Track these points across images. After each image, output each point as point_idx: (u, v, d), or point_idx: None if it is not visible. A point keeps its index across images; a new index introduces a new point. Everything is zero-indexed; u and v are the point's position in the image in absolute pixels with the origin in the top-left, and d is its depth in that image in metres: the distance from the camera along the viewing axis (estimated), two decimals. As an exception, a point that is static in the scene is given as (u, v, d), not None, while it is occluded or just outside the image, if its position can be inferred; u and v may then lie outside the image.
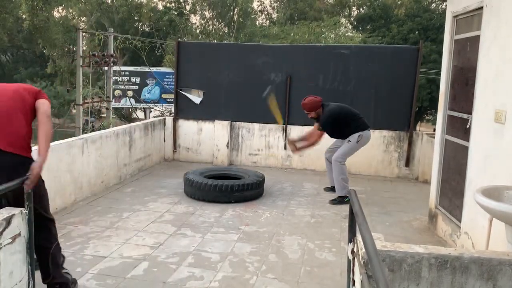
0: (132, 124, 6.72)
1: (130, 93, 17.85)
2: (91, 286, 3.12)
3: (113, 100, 17.26)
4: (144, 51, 16.11)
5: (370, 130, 5.56)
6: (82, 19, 23.13)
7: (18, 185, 2.43)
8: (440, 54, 5.06)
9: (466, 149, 3.90)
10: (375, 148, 6.92)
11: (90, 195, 5.27)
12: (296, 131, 7.15)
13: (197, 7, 24.65)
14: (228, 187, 5.12)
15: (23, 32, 21.60)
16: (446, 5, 4.65)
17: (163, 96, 18.08)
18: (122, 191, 5.59)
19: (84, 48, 17.62)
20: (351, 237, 2.17)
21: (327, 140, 5.78)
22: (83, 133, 12.94)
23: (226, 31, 23.66)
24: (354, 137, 5.34)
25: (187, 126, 7.53)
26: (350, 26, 24.03)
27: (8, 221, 2.31)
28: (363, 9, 23.94)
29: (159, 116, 15.33)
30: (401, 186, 6.45)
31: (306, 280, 3.34)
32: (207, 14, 24.78)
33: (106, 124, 15.81)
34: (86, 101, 15.68)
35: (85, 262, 3.49)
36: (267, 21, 27.14)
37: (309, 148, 5.67)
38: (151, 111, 18.99)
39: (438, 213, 4.49)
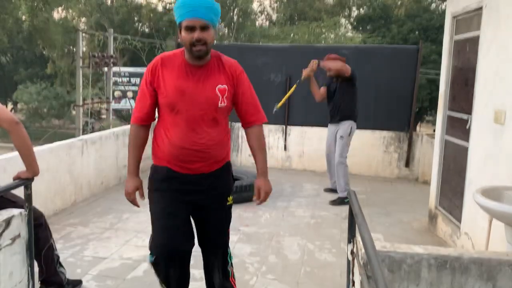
0: (132, 125, 6.72)
1: (130, 94, 17.85)
2: (91, 287, 3.12)
3: (113, 101, 17.27)
4: (144, 51, 16.12)
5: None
6: (82, 20, 23.13)
7: (19, 186, 2.44)
8: (440, 54, 5.05)
9: (466, 149, 3.90)
10: (375, 149, 6.92)
11: (89, 196, 5.27)
12: (296, 132, 7.15)
13: (197, 7, 24.59)
14: None
15: (23, 33, 21.59)
16: (446, 6, 4.65)
17: (163, 97, 18.05)
18: (122, 192, 5.54)
19: (84, 49, 17.65)
20: (351, 238, 2.17)
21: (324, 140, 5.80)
22: (83, 134, 12.94)
23: (226, 32, 23.67)
24: (345, 131, 5.33)
25: (187, 127, 7.51)
26: (350, 27, 24.02)
27: (8, 222, 2.31)
28: (363, 9, 23.91)
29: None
30: (401, 186, 6.44)
31: (306, 280, 3.34)
32: (207, 14, 24.72)
33: (106, 125, 15.82)
34: (86, 102, 15.68)
35: (84, 264, 3.49)
36: (267, 22, 27.14)
37: (334, 65, 5.20)
38: (151, 112, 18.94)
39: (438, 213, 4.49)
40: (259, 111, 2.41)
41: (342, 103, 5.34)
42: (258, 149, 2.40)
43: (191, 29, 2.11)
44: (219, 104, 2.22)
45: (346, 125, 5.33)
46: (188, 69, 2.21)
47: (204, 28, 2.12)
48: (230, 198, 2.44)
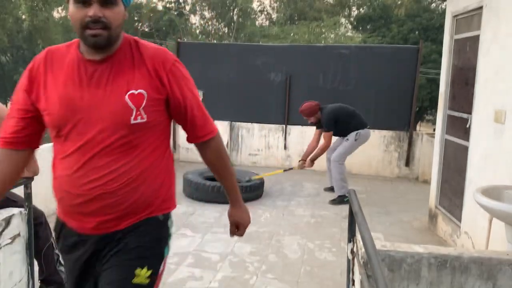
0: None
1: (130, 93, 17.80)
2: (91, 286, 3.12)
3: (113, 101, 17.25)
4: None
5: (370, 129, 5.54)
6: (82, 20, 23.13)
7: (19, 185, 2.44)
8: (440, 54, 5.06)
9: (466, 149, 3.90)
10: (375, 148, 6.92)
11: (90, 195, 5.26)
12: (296, 131, 7.15)
13: (197, 7, 24.68)
14: None
15: (23, 32, 21.61)
16: (446, 5, 4.66)
17: (163, 96, 18.03)
18: (122, 191, 5.57)
19: (84, 48, 17.58)
20: (351, 237, 2.17)
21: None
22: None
23: (226, 31, 23.69)
24: (352, 136, 5.33)
25: (187, 126, 7.51)
26: (350, 26, 24.03)
27: (8, 221, 2.31)
28: (363, 9, 23.93)
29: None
30: (401, 186, 6.44)
31: (306, 280, 3.34)
32: (207, 14, 24.81)
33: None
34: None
35: (85, 262, 3.49)
36: (267, 21, 27.15)
37: (322, 153, 5.50)
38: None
39: (438, 213, 4.49)
40: (208, 120, 1.65)
41: (336, 131, 5.40)
42: (221, 168, 1.74)
43: (83, 3, 1.32)
44: (132, 121, 1.39)
45: (352, 133, 5.34)
46: (83, 68, 1.40)
47: (106, 2, 1.32)
48: (143, 272, 1.46)
